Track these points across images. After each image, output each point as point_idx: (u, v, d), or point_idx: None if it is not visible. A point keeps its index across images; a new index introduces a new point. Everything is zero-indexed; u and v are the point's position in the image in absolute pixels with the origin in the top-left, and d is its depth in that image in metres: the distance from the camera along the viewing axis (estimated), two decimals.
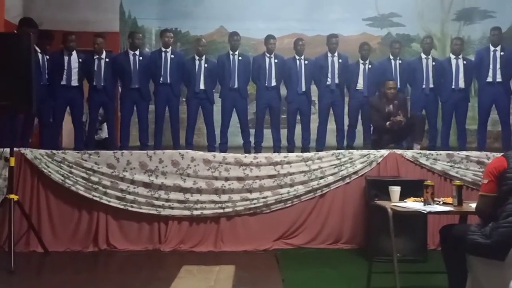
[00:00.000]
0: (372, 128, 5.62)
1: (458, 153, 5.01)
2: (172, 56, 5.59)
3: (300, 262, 4.48)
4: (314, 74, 5.70)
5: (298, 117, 5.73)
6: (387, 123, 5.25)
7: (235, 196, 4.86)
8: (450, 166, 4.92)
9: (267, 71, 5.57)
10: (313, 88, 5.81)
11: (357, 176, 4.91)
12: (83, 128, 5.78)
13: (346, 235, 4.93)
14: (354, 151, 5.05)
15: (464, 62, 5.68)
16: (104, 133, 6.34)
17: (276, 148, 5.53)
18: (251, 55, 6.01)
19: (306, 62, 5.65)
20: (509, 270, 2.60)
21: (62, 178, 4.75)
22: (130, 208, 4.79)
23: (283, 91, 5.75)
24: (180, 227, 4.86)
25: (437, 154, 4.97)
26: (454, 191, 3.21)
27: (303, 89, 5.62)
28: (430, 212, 3.14)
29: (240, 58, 5.61)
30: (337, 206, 4.94)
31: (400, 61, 5.81)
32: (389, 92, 5.32)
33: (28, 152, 4.75)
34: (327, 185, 4.91)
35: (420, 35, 6.77)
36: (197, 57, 5.59)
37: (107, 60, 5.43)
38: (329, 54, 5.69)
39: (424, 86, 5.70)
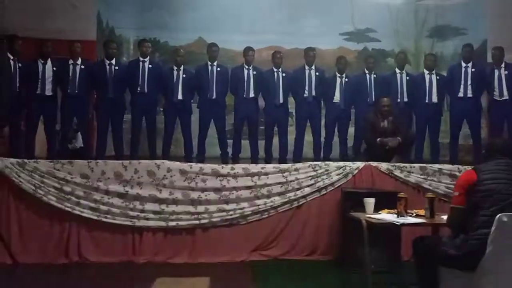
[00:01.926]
0: (364, 143, 5.65)
1: (431, 166, 5.11)
2: (150, 66, 5.57)
3: (276, 274, 4.46)
4: (292, 86, 5.76)
5: (276, 128, 5.77)
6: (378, 139, 5.29)
7: (211, 207, 4.82)
8: (423, 178, 5.01)
9: (245, 83, 5.60)
10: (291, 100, 5.87)
11: (333, 188, 4.95)
12: (56, 137, 5.66)
13: (322, 247, 4.94)
14: (331, 163, 5.09)
15: (437, 77, 5.84)
16: (78, 143, 6.23)
17: (254, 159, 5.54)
18: (229, 66, 6.03)
19: (284, 74, 5.70)
20: (480, 281, 2.66)
21: (34, 188, 4.63)
22: (103, 219, 4.69)
23: (261, 102, 5.79)
24: (155, 238, 4.78)
25: (411, 167, 5.06)
26: (426, 203, 3.27)
27: (281, 101, 5.66)
28: (403, 224, 3.19)
29: (218, 69, 5.63)
30: (313, 218, 4.96)
31: (375, 75, 5.93)
32: (383, 109, 5.37)
33: None
34: (304, 197, 4.93)
35: (395, 51, 6.94)
36: (175, 67, 5.58)
37: (82, 67, 5.38)
38: (307, 67, 5.76)
39: (398, 100, 5.83)
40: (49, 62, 5.29)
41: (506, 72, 5.56)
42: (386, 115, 5.38)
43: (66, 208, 4.65)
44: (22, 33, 5.59)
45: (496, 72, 5.60)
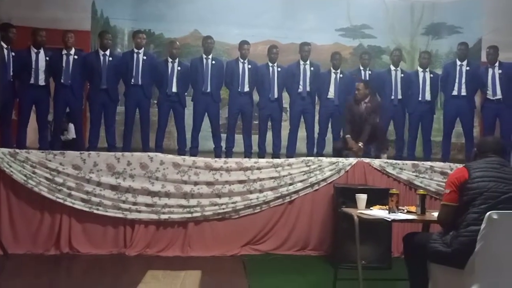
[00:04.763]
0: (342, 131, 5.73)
1: (423, 164, 5.15)
2: (145, 57, 5.53)
3: (267, 269, 4.48)
4: (286, 81, 5.75)
5: (270, 123, 5.76)
6: (346, 136, 5.40)
7: (203, 200, 4.83)
8: (415, 175, 5.05)
9: (240, 77, 5.58)
10: (285, 95, 5.86)
11: (325, 183, 4.97)
12: (48, 128, 5.63)
13: (313, 242, 4.97)
14: (324, 159, 5.11)
15: (431, 75, 5.86)
16: (71, 134, 6.19)
17: (247, 154, 5.53)
18: (224, 59, 6.00)
19: (279, 69, 5.69)
20: (469, 278, 2.68)
21: (25, 178, 4.60)
22: (95, 211, 4.68)
23: (256, 97, 5.78)
24: (146, 231, 4.78)
25: (403, 164, 5.09)
26: (417, 200, 3.29)
27: (275, 96, 5.66)
28: (394, 220, 3.20)
29: (213, 62, 5.60)
30: (306, 213, 4.98)
31: (369, 72, 5.94)
32: (357, 93, 5.43)
33: None
34: (296, 192, 4.95)
35: (390, 48, 6.93)
36: (170, 60, 5.54)
37: (75, 57, 5.33)
38: (301, 62, 5.75)
39: (392, 97, 5.85)
40: (42, 51, 5.23)
41: (500, 71, 5.58)
42: (360, 99, 5.42)
43: (58, 199, 4.63)
44: (16, 21, 5.53)
45: (490, 71, 5.61)
